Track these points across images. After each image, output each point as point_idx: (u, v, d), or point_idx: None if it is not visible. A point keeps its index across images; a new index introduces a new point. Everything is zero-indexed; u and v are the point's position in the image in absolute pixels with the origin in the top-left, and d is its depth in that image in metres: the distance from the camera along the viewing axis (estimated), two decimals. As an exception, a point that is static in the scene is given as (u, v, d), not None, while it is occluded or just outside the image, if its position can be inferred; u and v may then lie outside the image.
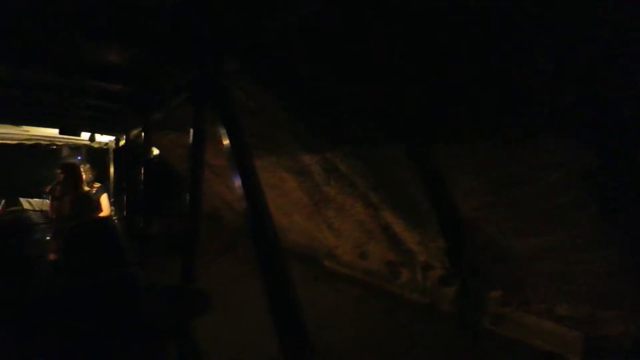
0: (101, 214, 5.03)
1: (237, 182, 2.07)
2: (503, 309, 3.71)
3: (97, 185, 5.41)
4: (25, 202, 5.91)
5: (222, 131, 2.15)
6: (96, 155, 6.73)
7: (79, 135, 4.75)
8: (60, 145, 6.99)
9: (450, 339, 3.96)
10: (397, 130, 3.34)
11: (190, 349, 1.91)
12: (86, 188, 4.89)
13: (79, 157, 6.51)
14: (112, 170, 6.51)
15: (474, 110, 2.60)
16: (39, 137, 6.52)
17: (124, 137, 5.21)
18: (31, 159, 8.24)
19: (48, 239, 5.03)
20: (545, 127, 2.35)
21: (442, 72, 2.44)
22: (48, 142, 6.92)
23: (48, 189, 4.94)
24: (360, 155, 4.15)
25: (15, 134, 6.32)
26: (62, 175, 4.57)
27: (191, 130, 2.67)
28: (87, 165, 4.81)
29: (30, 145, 7.09)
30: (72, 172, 4.59)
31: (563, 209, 2.81)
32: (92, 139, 5.07)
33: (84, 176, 4.80)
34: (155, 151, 6.59)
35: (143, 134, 4.09)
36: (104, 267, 1.77)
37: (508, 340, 3.51)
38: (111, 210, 5.60)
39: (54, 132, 5.74)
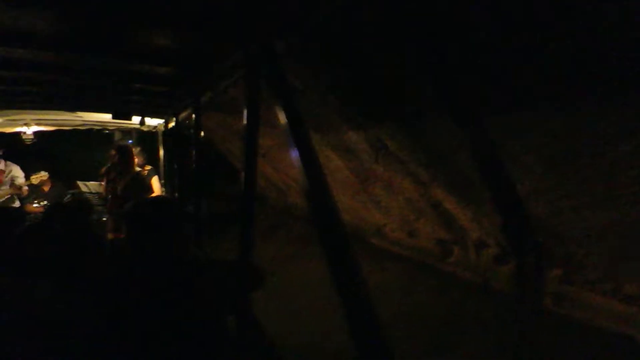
0: (152, 195, 5.16)
1: (295, 160, 2.02)
2: (565, 288, 3.54)
3: (148, 167, 5.55)
4: (82, 185, 6.17)
5: (278, 108, 2.10)
6: (145, 139, 6.90)
7: (130, 119, 4.85)
8: (112, 129, 7.23)
9: (508, 318, 3.83)
10: (449, 103, 3.19)
11: (250, 323, 1.92)
12: (138, 169, 5.02)
13: (130, 141, 6.70)
14: (161, 152, 6.66)
15: (543, 77, 2.42)
16: (92, 123, 6.75)
17: (174, 119, 5.26)
18: (85, 144, 8.56)
19: (104, 219, 5.25)
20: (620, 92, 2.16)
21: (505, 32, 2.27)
22: (100, 127, 7.16)
23: (103, 170, 5.11)
24: (409, 131, 4.03)
25: (70, 120, 6.57)
26: (116, 157, 4.70)
27: (245, 110, 2.63)
28: (139, 148, 4.93)
29: (84, 131, 7.37)
30: (126, 154, 4.71)
31: (628, 184, 2.61)
32: (142, 122, 5.17)
33: (136, 159, 4.93)
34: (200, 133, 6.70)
35: (194, 115, 4.09)
36: (165, 244, 1.79)
37: (571, 320, 3.35)
38: (162, 192, 5.75)
39: (106, 117, 5.91)
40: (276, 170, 9.76)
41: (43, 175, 5.74)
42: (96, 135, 7.70)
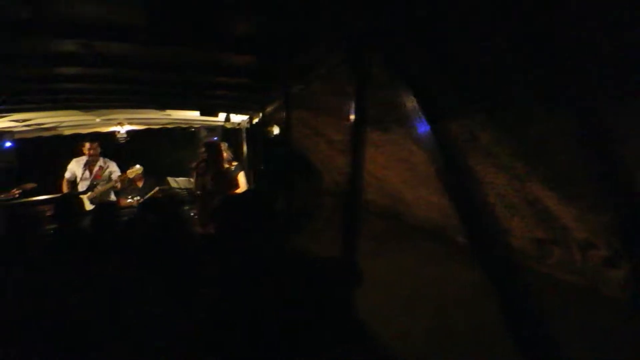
0: (238, 190, 5.24)
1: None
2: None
3: (235, 163, 5.65)
4: (172, 181, 6.41)
5: (404, 93, 1.93)
6: (230, 136, 7.05)
7: (216, 115, 4.94)
8: (198, 127, 7.49)
9: (621, 327, 3.41)
10: (554, 89, 2.87)
11: (355, 322, 1.79)
12: (226, 165, 5.12)
13: (215, 138, 6.88)
14: (244, 148, 6.78)
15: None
16: (179, 121, 7.03)
17: (260, 114, 5.28)
18: (173, 142, 8.95)
19: (193, 214, 5.40)
20: None
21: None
22: (186, 125, 7.45)
23: (193, 166, 5.25)
24: (503, 122, 3.71)
25: (159, 118, 6.88)
26: (205, 154, 4.82)
27: (353, 100, 2.48)
28: (226, 145, 5.02)
29: (171, 129, 7.71)
30: (214, 151, 4.82)
31: None
32: (227, 119, 5.24)
33: (224, 155, 5.03)
34: (276, 130, 6.75)
35: (285, 107, 3.91)
36: (259, 238, 1.73)
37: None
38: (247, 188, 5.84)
39: (192, 114, 6.11)
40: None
41: (138, 169, 6.04)
42: (183, 133, 8.02)
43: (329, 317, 1.62)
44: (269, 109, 4.53)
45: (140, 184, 6.23)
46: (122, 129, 7.19)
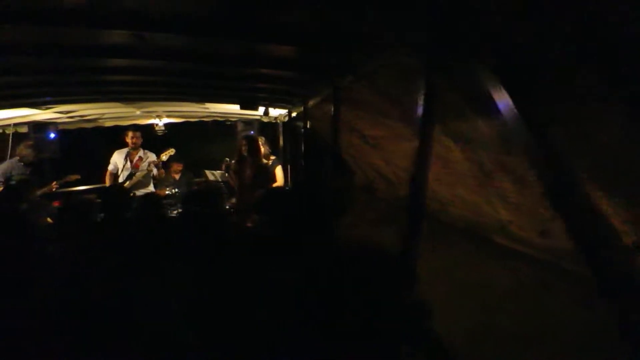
0: (275, 185, 5.24)
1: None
2: None
3: (272, 157, 5.65)
4: (209, 174, 6.45)
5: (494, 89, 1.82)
6: (266, 130, 7.05)
7: (256, 109, 4.91)
8: (234, 120, 7.51)
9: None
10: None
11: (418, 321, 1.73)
12: (264, 160, 5.12)
13: (252, 132, 6.89)
14: (281, 143, 6.76)
15: None
16: (217, 114, 7.08)
17: (301, 108, 5.22)
18: (209, 135, 9.03)
19: (229, 207, 5.42)
20: None
21: None
22: (223, 119, 7.49)
23: (230, 160, 5.27)
24: (555, 116, 3.55)
25: (197, 111, 6.94)
26: (243, 148, 4.82)
27: (420, 96, 2.36)
28: (263, 139, 5.02)
29: (208, 122, 7.78)
30: (253, 145, 4.82)
31: None
32: (266, 113, 5.21)
33: (262, 149, 5.03)
34: (317, 124, 6.72)
35: (333, 101, 3.76)
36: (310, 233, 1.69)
37: None
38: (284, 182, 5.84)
39: (230, 107, 6.12)
40: (386, 162, 9.52)
41: (170, 150, 6.09)
42: (219, 127, 8.07)
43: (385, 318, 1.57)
44: (312, 102, 4.44)
45: (177, 176, 6.30)
46: (160, 122, 7.30)
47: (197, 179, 6.80)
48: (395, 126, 7.13)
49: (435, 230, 8.14)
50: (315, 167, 4.98)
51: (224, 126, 7.91)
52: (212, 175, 6.28)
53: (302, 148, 5.63)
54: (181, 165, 6.61)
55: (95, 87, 4.06)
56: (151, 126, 7.34)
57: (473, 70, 2.62)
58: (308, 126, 4.71)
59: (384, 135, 8.15)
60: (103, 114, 6.53)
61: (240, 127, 7.07)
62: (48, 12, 2.14)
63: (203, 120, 7.71)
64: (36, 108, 5.02)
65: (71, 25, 2.31)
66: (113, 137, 7.82)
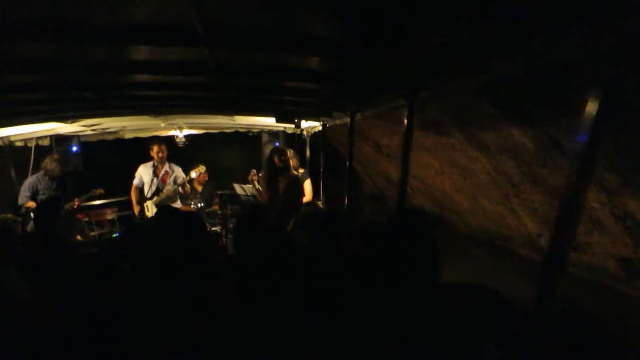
0: (304, 199, 5.14)
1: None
2: None
3: (301, 170, 5.57)
4: (238, 188, 6.32)
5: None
6: (292, 142, 6.97)
7: (293, 122, 4.81)
8: (256, 132, 7.46)
9: None
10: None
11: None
12: (294, 172, 5.03)
13: (277, 143, 6.83)
14: (308, 155, 6.66)
15: None
16: (239, 125, 7.02)
17: (334, 121, 5.14)
18: (231, 146, 9.00)
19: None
20: None
21: None
22: (245, 130, 7.45)
23: (257, 173, 5.18)
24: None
25: (219, 123, 6.90)
26: (274, 160, 4.74)
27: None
28: (292, 151, 4.92)
29: (230, 133, 7.74)
30: (285, 157, 4.73)
31: None
32: (298, 125, 5.09)
33: (292, 161, 4.95)
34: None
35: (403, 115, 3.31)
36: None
37: None
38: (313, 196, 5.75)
39: (256, 119, 6.07)
40: (399, 170, 9.42)
41: (201, 167, 6.06)
42: (241, 138, 8.04)
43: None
44: (368, 113, 4.27)
45: (200, 188, 6.25)
46: (181, 133, 7.28)
47: (220, 191, 6.76)
48: (417, 135, 7.06)
49: (455, 242, 8.02)
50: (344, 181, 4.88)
51: (245, 137, 7.88)
52: (242, 189, 6.16)
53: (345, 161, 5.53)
54: (207, 175, 6.56)
55: (128, 102, 4.03)
56: (172, 137, 7.31)
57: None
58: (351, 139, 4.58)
59: (399, 144, 8.07)
60: (125, 126, 6.52)
61: (265, 138, 7.02)
62: (76, 28, 2.09)
63: (224, 132, 7.66)
64: (62, 122, 5.01)
65: (103, 42, 2.25)
66: (133, 149, 7.85)
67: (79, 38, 2.16)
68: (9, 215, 4.74)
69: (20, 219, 4.79)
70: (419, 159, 7.66)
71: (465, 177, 7.13)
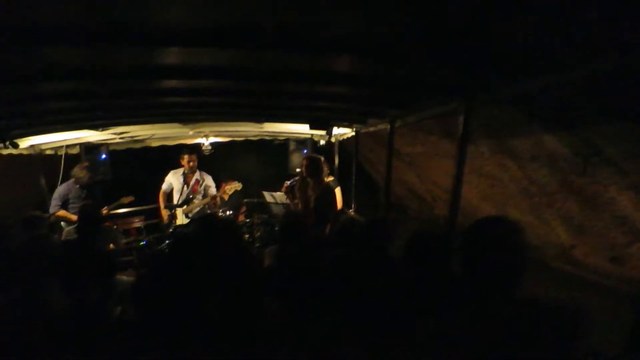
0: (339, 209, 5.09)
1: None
2: None
3: (331, 178, 5.50)
4: (268, 196, 6.27)
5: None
6: (319, 149, 6.90)
7: (327, 129, 4.73)
8: (283, 140, 7.39)
9: None
10: None
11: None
12: (326, 180, 4.97)
13: (305, 150, 6.75)
14: (336, 162, 6.58)
15: None
16: (266, 133, 6.98)
17: (366, 127, 5.04)
18: (258, 154, 8.96)
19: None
20: None
21: None
22: (271, 137, 7.40)
23: (287, 183, 5.11)
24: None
25: (245, 130, 6.88)
26: (306, 168, 4.69)
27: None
28: (322, 158, 4.86)
29: (255, 141, 7.71)
30: (318, 165, 4.68)
31: None
32: (329, 132, 4.99)
33: (324, 170, 4.89)
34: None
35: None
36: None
37: None
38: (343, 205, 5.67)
39: (284, 127, 6.00)
40: (421, 179, 9.26)
41: (237, 185, 6.00)
42: (267, 145, 7.99)
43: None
44: (410, 119, 4.11)
45: (226, 197, 6.22)
46: (207, 141, 7.29)
47: (246, 200, 6.73)
48: (438, 143, 6.94)
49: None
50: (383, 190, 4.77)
51: (271, 145, 7.84)
52: (272, 197, 6.09)
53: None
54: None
55: (160, 109, 4.03)
56: (198, 145, 7.33)
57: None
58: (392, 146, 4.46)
59: (422, 152, 7.95)
60: (154, 134, 6.56)
61: (292, 146, 6.95)
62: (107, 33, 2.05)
63: (249, 140, 7.64)
64: (92, 130, 5.06)
65: (136, 45, 2.20)
66: (159, 158, 7.89)
67: (113, 42, 2.12)
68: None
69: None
70: (442, 167, 7.53)
71: (493, 185, 6.98)
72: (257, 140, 7.53)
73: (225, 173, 6.11)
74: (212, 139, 7.34)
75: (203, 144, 7.26)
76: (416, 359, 1.46)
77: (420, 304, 1.72)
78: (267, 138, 7.48)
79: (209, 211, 5.97)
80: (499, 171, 6.36)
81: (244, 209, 6.83)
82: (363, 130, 5.48)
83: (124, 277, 4.25)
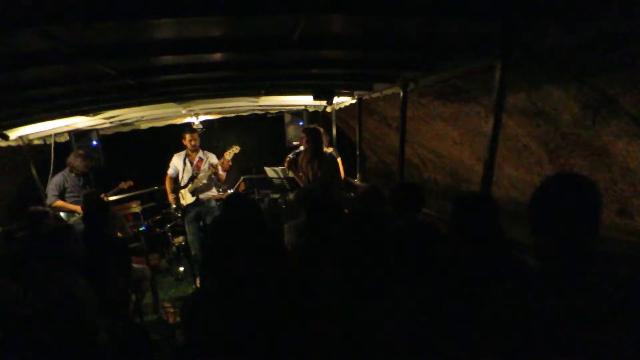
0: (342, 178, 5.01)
1: None
2: None
3: (330, 149, 5.41)
4: (270, 171, 6.19)
5: None
6: (315, 120, 6.74)
7: (331, 99, 4.54)
8: (275, 113, 7.19)
9: None
10: None
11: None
12: (328, 150, 4.88)
13: (301, 122, 6.58)
14: (334, 133, 6.44)
15: None
16: (258, 107, 6.76)
17: (369, 94, 4.86)
18: (251, 129, 8.74)
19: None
20: None
21: None
22: (263, 112, 7.19)
23: (290, 157, 5.00)
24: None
25: (237, 106, 6.66)
26: (306, 141, 4.58)
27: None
28: (321, 129, 4.74)
29: (247, 117, 7.49)
30: (317, 137, 4.58)
31: None
32: (330, 102, 4.82)
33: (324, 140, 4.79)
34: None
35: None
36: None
37: None
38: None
39: (278, 99, 5.81)
40: (409, 143, 9.16)
41: (235, 148, 5.87)
42: (260, 120, 7.78)
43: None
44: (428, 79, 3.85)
45: (224, 175, 6.11)
46: (197, 120, 7.07)
47: (243, 176, 6.61)
48: (430, 105, 6.81)
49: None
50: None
51: (264, 119, 7.63)
52: (274, 172, 5.98)
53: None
54: (230, 162, 6.41)
55: (157, 88, 3.83)
56: (187, 125, 7.11)
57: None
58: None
59: (411, 116, 7.81)
60: (143, 116, 6.33)
61: (287, 118, 6.76)
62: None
63: (241, 115, 7.42)
64: (82, 115, 4.84)
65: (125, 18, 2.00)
66: (150, 140, 7.69)
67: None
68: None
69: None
70: (433, 130, 7.43)
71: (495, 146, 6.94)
72: (248, 115, 7.32)
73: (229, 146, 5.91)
74: (202, 117, 7.13)
75: (193, 122, 7.04)
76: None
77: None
78: (258, 112, 7.26)
79: (214, 189, 5.93)
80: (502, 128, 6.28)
81: (242, 185, 6.70)
82: (365, 97, 5.31)
83: (135, 265, 4.18)
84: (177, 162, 6.05)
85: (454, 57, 3.15)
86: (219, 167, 5.70)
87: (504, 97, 2.80)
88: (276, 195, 6.35)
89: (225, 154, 5.82)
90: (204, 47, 2.70)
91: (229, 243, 1.84)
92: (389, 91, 4.43)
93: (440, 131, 7.47)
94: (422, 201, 3.03)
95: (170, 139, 6.37)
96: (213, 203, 5.99)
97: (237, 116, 7.50)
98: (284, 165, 5.16)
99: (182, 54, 2.80)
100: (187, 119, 7.18)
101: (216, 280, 1.87)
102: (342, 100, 5.93)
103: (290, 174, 5.20)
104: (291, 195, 5.02)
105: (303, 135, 4.63)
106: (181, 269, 6.22)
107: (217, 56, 2.99)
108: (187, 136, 5.93)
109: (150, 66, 3.14)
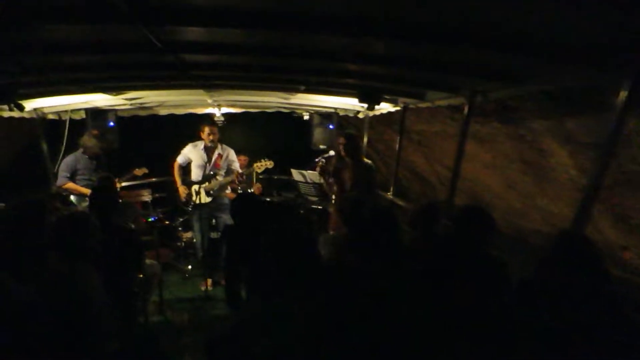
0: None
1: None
2: None
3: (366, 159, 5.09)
4: (297, 174, 5.75)
5: None
6: (347, 125, 6.41)
7: (377, 102, 4.15)
8: (300, 113, 6.82)
9: None
10: None
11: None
12: (365, 160, 4.56)
13: (332, 126, 6.19)
14: (365, 141, 6.04)
15: None
16: (286, 105, 6.39)
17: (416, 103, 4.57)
18: (275, 127, 8.35)
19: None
20: None
21: None
22: (289, 110, 6.82)
23: (322, 162, 4.69)
24: None
25: (262, 102, 6.33)
26: (345, 147, 4.27)
27: None
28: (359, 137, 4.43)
29: (271, 113, 7.13)
30: (356, 144, 4.29)
31: None
32: (372, 107, 4.40)
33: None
34: None
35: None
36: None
37: None
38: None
39: (314, 99, 5.45)
40: (429, 160, 8.75)
41: (269, 163, 5.50)
42: (286, 118, 7.41)
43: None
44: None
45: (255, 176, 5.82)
46: (219, 112, 6.72)
47: (261, 176, 6.30)
48: (463, 122, 6.42)
49: (509, 248, 7.44)
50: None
51: (290, 118, 7.24)
52: (301, 175, 5.58)
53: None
54: (247, 159, 6.09)
55: (189, 72, 3.46)
56: (208, 116, 6.77)
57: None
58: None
59: (438, 131, 7.41)
60: (165, 101, 5.99)
61: (316, 120, 6.36)
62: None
63: (265, 112, 7.05)
64: (104, 93, 4.51)
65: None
66: (169, 126, 7.34)
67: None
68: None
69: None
70: (448, 146, 7.03)
71: (526, 173, 6.52)
72: (273, 112, 6.95)
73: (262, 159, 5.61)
74: (224, 109, 6.78)
75: (215, 114, 6.69)
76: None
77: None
78: (283, 111, 6.88)
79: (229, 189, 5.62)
80: (541, 157, 5.89)
81: (258, 186, 6.31)
82: (411, 106, 4.89)
83: (147, 261, 3.87)
84: (191, 154, 5.64)
85: (549, 68, 2.71)
86: (244, 177, 5.47)
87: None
88: (316, 205, 5.86)
89: (255, 166, 5.51)
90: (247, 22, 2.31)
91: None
92: (443, 102, 3.96)
93: (469, 151, 7.09)
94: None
95: (188, 127, 5.99)
96: (226, 200, 5.65)
97: (260, 112, 7.14)
98: (314, 170, 4.82)
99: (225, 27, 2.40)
100: (209, 110, 6.85)
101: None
102: (379, 107, 5.51)
103: (320, 180, 4.86)
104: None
105: (341, 140, 4.30)
106: (189, 267, 5.88)
107: (259, 37, 2.63)
108: (206, 129, 5.47)
109: (196, 43, 2.78)
